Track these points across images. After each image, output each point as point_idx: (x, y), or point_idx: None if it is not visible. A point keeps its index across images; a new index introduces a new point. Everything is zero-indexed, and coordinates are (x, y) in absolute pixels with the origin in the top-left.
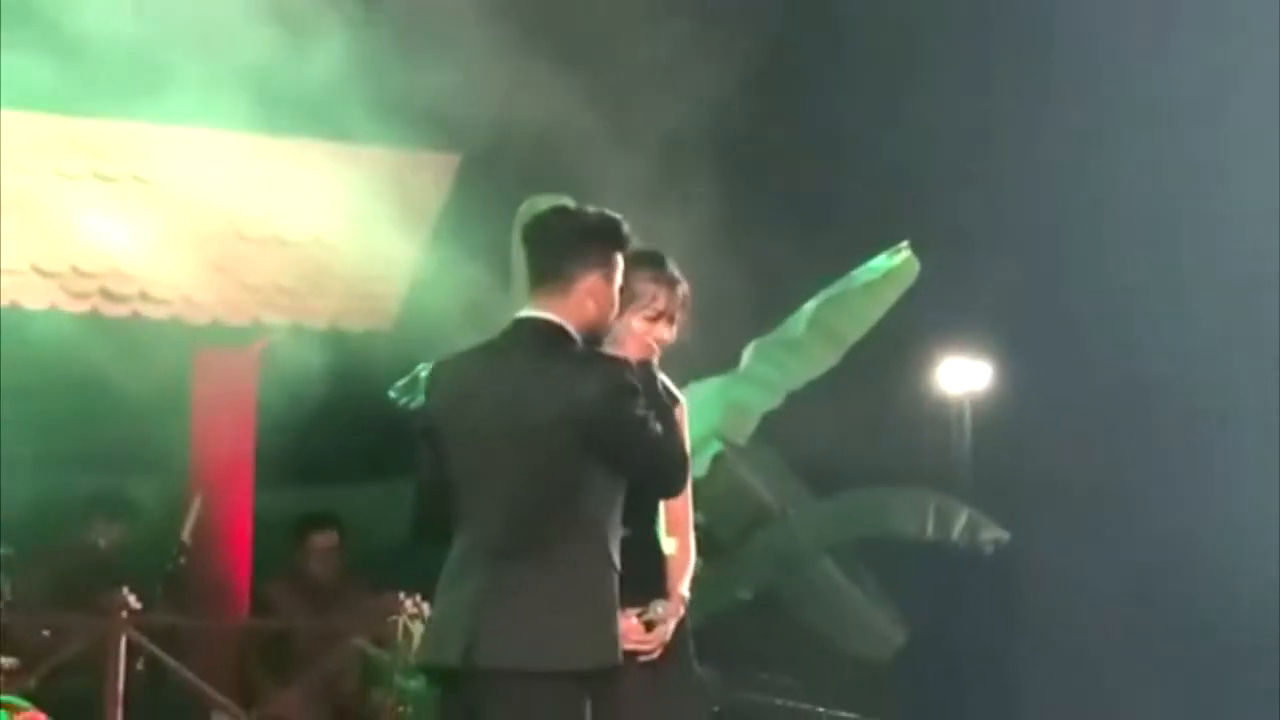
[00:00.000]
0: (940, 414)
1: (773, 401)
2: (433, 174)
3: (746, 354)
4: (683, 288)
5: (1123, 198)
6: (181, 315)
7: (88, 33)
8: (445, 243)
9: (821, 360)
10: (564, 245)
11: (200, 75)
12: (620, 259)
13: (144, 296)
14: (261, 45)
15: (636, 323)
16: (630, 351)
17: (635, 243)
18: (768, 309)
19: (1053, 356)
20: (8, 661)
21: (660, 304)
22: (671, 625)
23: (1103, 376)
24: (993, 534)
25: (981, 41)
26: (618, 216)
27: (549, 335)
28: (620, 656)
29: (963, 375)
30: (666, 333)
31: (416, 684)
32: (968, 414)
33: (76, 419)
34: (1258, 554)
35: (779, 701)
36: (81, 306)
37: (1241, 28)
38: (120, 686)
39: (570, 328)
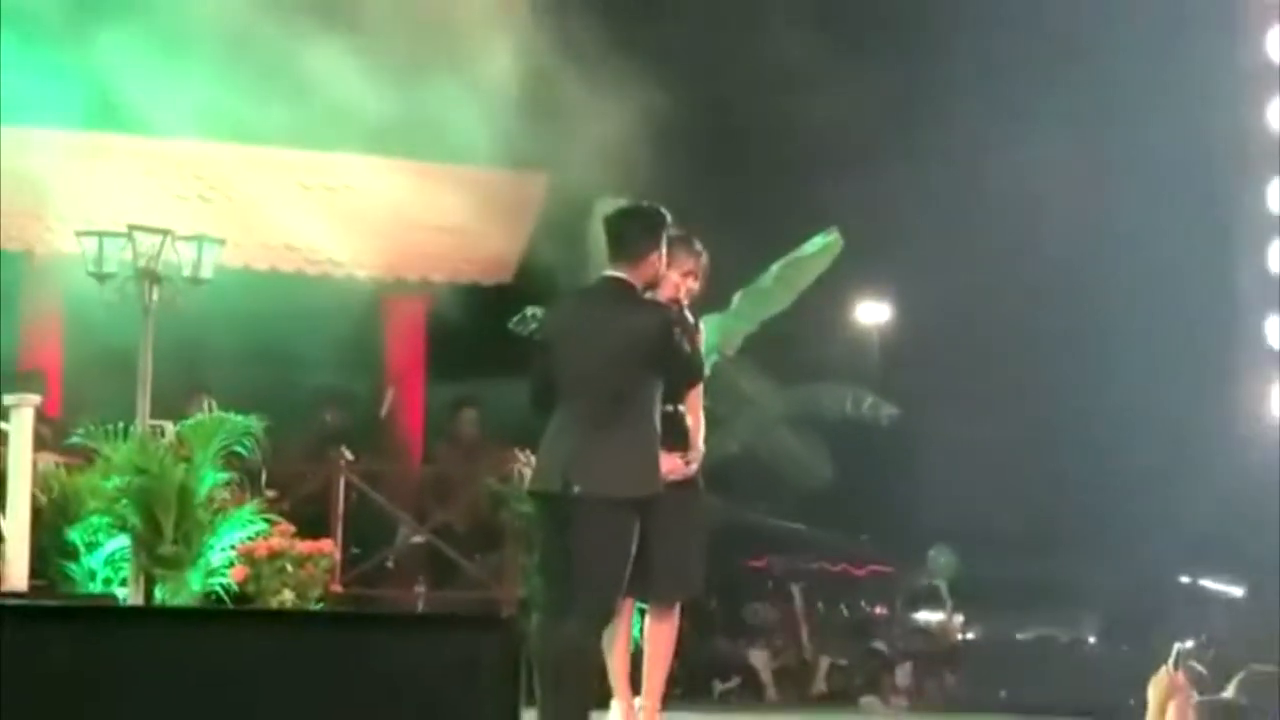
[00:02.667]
0: (859, 336)
1: (751, 328)
2: (533, 185)
3: (735, 298)
4: (704, 257)
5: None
6: (378, 273)
7: (308, 88)
8: (544, 227)
9: (782, 302)
10: (635, 232)
11: (382, 120)
12: (661, 237)
13: (356, 264)
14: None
15: (675, 277)
16: (668, 295)
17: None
18: (748, 270)
19: (940, 296)
20: (271, 493)
21: (689, 266)
22: (695, 464)
23: (982, 308)
24: (888, 411)
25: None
26: (664, 211)
27: (622, 288)
28: (661, 487)
29: (873, 311)
30: (694, 285)
31: (527, 507)
32: (876, 336)
33: (313, 342)
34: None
35: (754, 516)
36: (310, 270)
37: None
38: (340, 509)
39: (636, 283)
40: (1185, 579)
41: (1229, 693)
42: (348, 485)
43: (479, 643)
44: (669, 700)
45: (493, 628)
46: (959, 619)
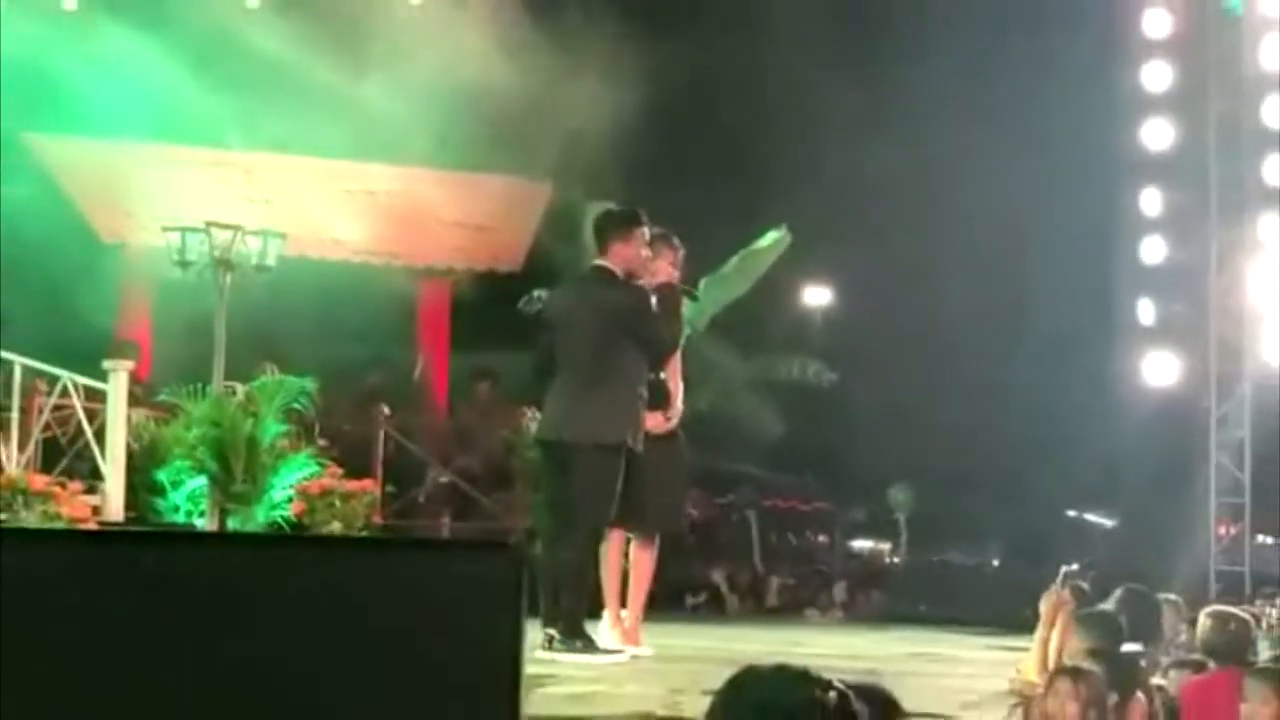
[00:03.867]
0: (804, 315)
1: (716, 310)
2: (539, 191)
3: (702, 283)
4: (680, 251)
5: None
6: (410, 262)
7: (352, 107)
8: (547, 225)
9: (740, 288)
10: (615, 229)
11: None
12: (638, 233)
13: (393, 254)
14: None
15: (663, 265)
16: (661, 280)
17: (654, 224)
18: (713, 260)
19: (872, 281)
20: (323, 441)
21: (671, 257)
22: (675, 420)
23: (907, 291)
24: (828, 376)
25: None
26: (634, 210)
27: (605, 274)
28: (640, 437)
29: (816, 295)
30: (676, 273)
31: (533, 453)
32: (820, 316)
33: (357, 318)
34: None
35: (720, 463)
36: (354, 259)
37: None
38: (380, 455)
39: (616, 270)
40: (1072, 513)
41: (1107, 606)
42: (386, 435)
43: (491, 563)
44: (648, 612)
45: (502, 550)
46: (888, 545)
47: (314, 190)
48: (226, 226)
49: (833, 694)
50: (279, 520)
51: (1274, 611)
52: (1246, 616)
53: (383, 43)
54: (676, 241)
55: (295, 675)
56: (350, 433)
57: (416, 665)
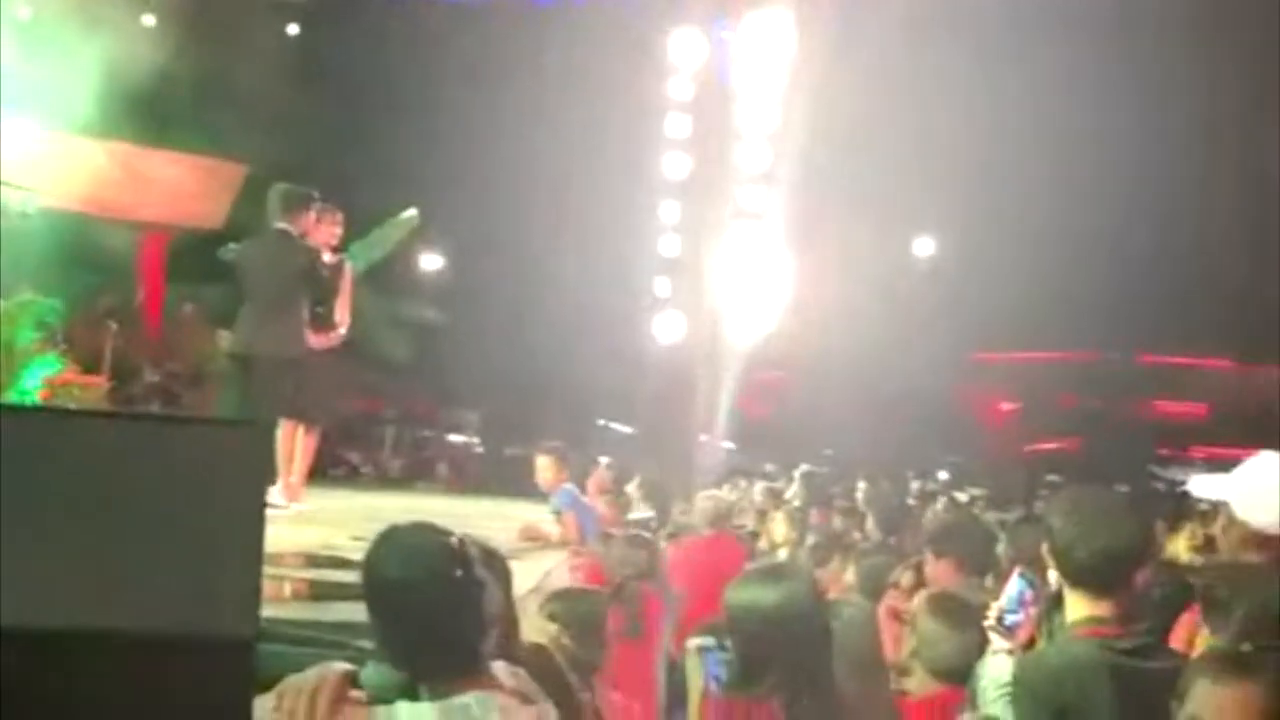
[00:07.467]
0: (428, 274)
1: (364, 267)
2: (236, 168)
3: (353, 247)
4: (340, 219)
5: None
6: (136, 218)
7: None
8: (244, 194)
9: (381, 253)
10: (292, 202)
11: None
12: (310, 205)
13: (122, 212)
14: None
15: (328, 229)
16: (323, 241)
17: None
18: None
19: (483, 250)
20: (64, 347)
21: (334, 222)
22: (336, 341)
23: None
24: (440, 316)
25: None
26: (308, 190)
27: (285, 235)
28: (304, 352)
29: (430, 260)
30: (338, 232)
31: (226, 362)
32: (436, 275)
33: (94, 258)
34: None
35: (369, 376)
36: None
37: None
38: (108, 359)
39: (293, 231)
40: (601, 422)
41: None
42: (113, 344)
43: (239, 435)
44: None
45: (251, 425)
46: (477, 439)
47: (58, 157)
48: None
49: (455, 540)
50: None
51: (756, 490)
52: (731, 499)
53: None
54: (339, 213)
55: (52, 536)
56: (87, 341)
57: (174, 522)
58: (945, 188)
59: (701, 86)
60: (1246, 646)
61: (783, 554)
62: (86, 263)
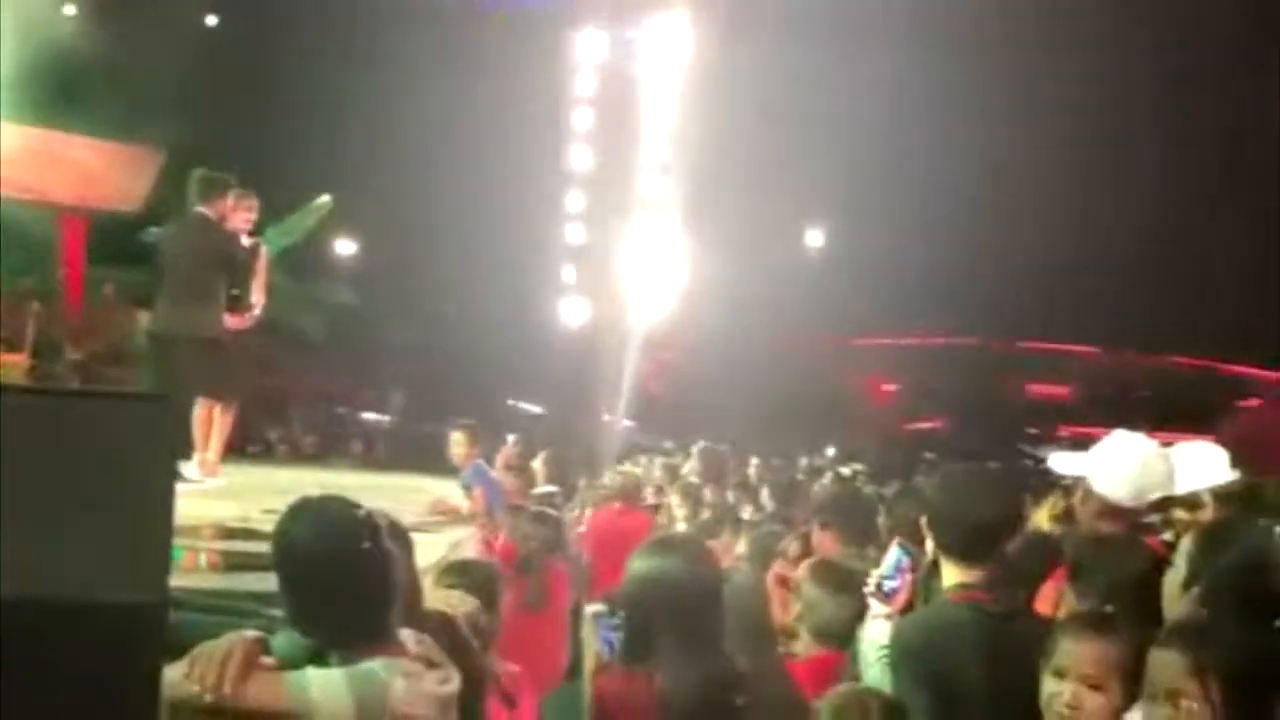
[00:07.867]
0: (342, 259)
1: (278, 250)
2: (153, 153)
3: (269, 231)
4: (256, 204)
5: None
6: (56, 200)
7: None
8: (161, 180)
9: (296, 237)
10: (210, 187)
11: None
12: (228, 192)
13: (40, 194)
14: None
15: (243, 214)
16: (238, 225)
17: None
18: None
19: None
20: None
21: (249, 207)
22: (250, 321)
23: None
24: (347, 299)
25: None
26: (225, 176)
27: (203, 219)
28: (222, 331)
29: (344, 246)
30: (253, 217)
31: (145, 341)
32: (350, 260)
33: (15, 238)
34: None
35: (283, 354)
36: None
37: None
38: (29, 338)
39: (210, 215)
40: (512, 401)
41: (535, 463)
42: (35, 323)
43: (145, 409)
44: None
45: (161, 400)
46: (388, 417)
47: None
48: None
49: (363, 512)
50: None
51: (656, 466)
52: (638, 474)
53: None
54: (254, 199)
55: None
56: (9, 320)
57: (86, 493)
58: (835, 180)
59: (605, 83)
60: (1109, 609)
61: (681, 527)
62: (8, 244)
